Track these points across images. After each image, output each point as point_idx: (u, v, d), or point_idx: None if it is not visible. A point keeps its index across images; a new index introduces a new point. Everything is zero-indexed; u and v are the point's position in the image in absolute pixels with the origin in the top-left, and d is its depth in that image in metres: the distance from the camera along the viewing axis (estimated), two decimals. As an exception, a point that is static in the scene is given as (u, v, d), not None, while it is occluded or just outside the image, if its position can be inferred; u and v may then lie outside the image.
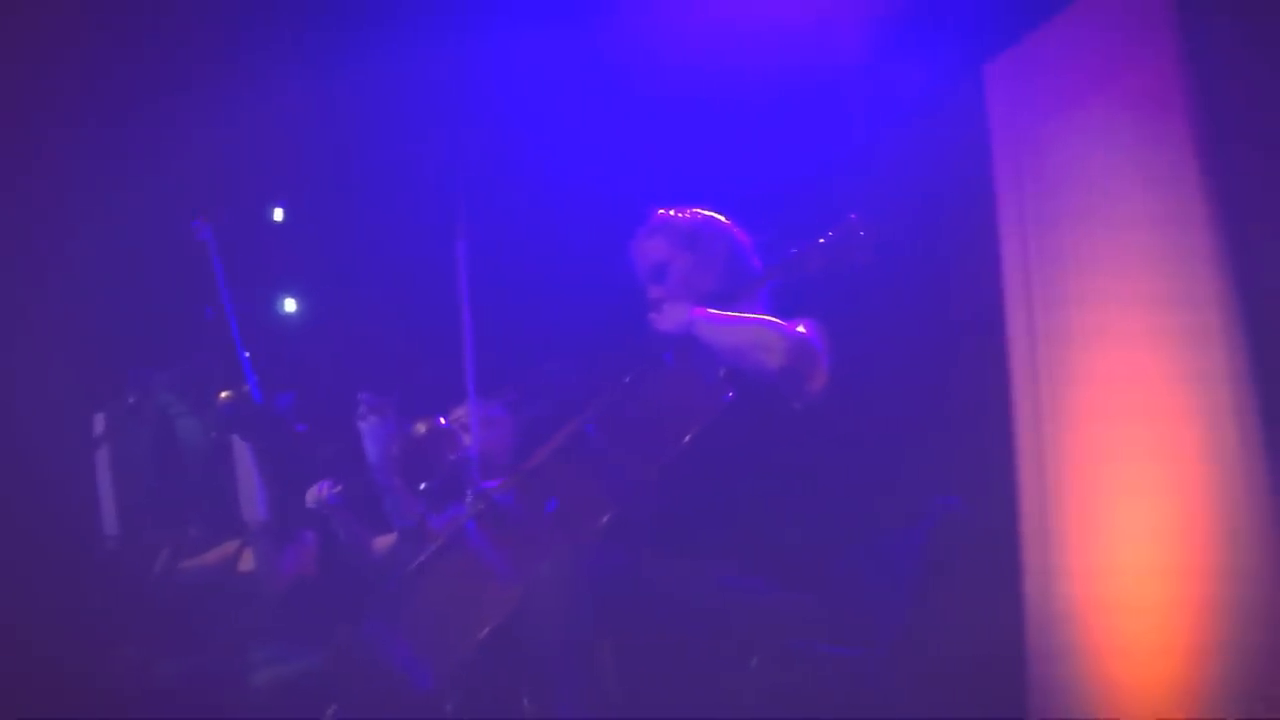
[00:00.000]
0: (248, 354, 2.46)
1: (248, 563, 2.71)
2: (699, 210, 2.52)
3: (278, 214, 2.51)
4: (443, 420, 2.55)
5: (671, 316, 2.26)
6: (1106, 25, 3.60)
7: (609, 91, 3.52)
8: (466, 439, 2.78)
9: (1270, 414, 2.84)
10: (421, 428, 2.61)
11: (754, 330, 2.18)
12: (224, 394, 2.44)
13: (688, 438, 2.15)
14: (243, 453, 2.52)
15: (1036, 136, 3.68)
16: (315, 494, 2.63)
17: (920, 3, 4.01)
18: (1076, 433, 3.23)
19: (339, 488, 2.61)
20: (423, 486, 2.45)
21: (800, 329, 2.23)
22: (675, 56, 3.64)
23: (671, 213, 2.51)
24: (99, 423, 2.58)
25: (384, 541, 2.77)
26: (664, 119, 3.65)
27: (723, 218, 2.51)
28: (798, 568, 2.15)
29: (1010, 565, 3.20)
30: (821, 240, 2.33)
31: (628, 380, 2.26)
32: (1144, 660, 2.94)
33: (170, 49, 3.12)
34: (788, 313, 2.41)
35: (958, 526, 2.21)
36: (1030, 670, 3.12)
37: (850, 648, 2.12)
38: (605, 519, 2.07)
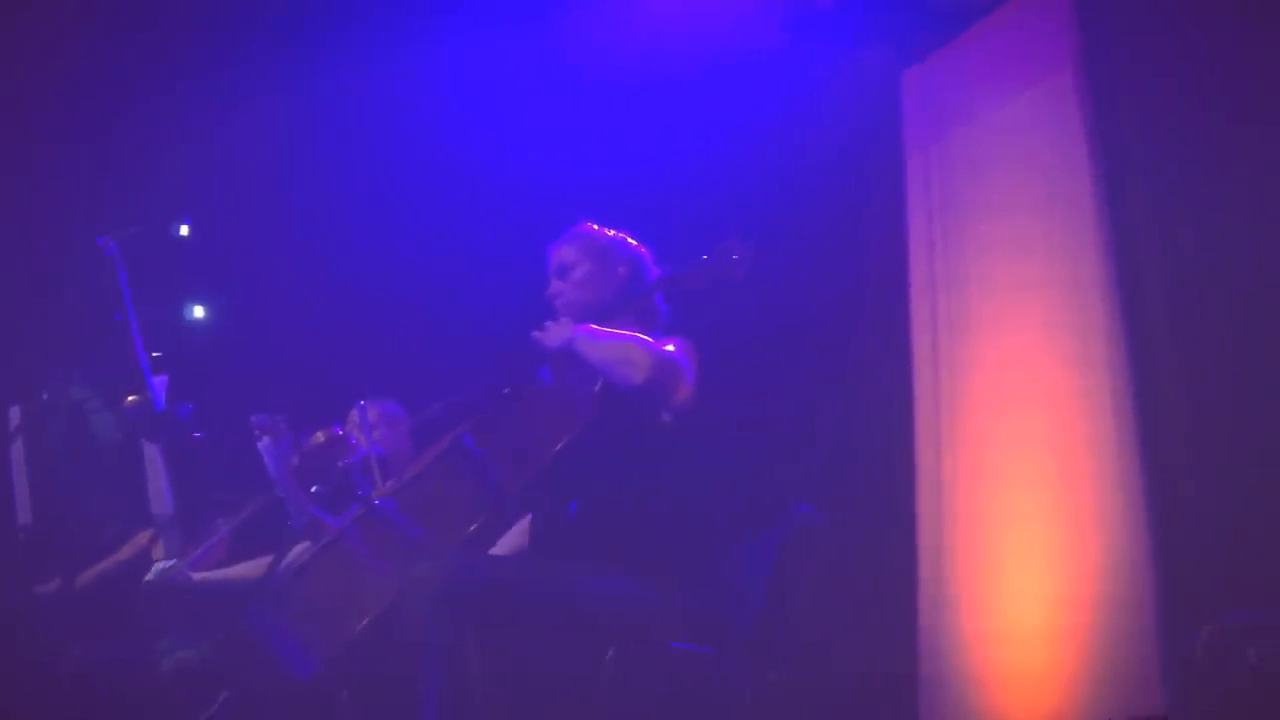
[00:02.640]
0: (156, 355, 2.58)
1: (160, 552, 2.85)
2: (617, 232, 2.69)
3: (184, 230, 2.61)
4: (339, 429, 2.68)
5: (555, 333, 2.43)
6: (1015, 38, 3.75)
7: (521, 100, 3.62)
8: (364, 440, 2.94)
9: (1145, 402, 3.02)
10: (320, 437, 2.74)
11: (623, 347, 2.33)
12: (130, 398, 2.57)
13: (559, 446, 2.32)
14: (152, 450, 2.66)
15: (947, 137, 3.84)
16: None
17: (844, 10, 4.13)
18: (972, 420, 3.41)
19: None
20: (313, 489, 2.60)
21: (669, 347, 2.38)
22: (595, 68, 3.75)
23: (594, 226, 2.68)
24: (14, 416, 2.71)
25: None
26: (585, 127, 3.77)
27: (634, 242, 2.68)
28: (661, 570, 2.30)
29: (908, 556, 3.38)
30: (704, 258, 2.49)
31: (506, 392, 2.41)
32: (1033, 646, 3.13)
33: (88, 64, 3.20)
34: (684, 319, 2.59)
35: (812, 533, 2.37)
36: (920, 654, 3.30)
37: (705, 646, 2.27)
38: (476, 525, 2.25)
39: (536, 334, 2.43)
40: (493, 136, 3.63)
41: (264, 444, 2.71)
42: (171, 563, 2.75)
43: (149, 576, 2.79)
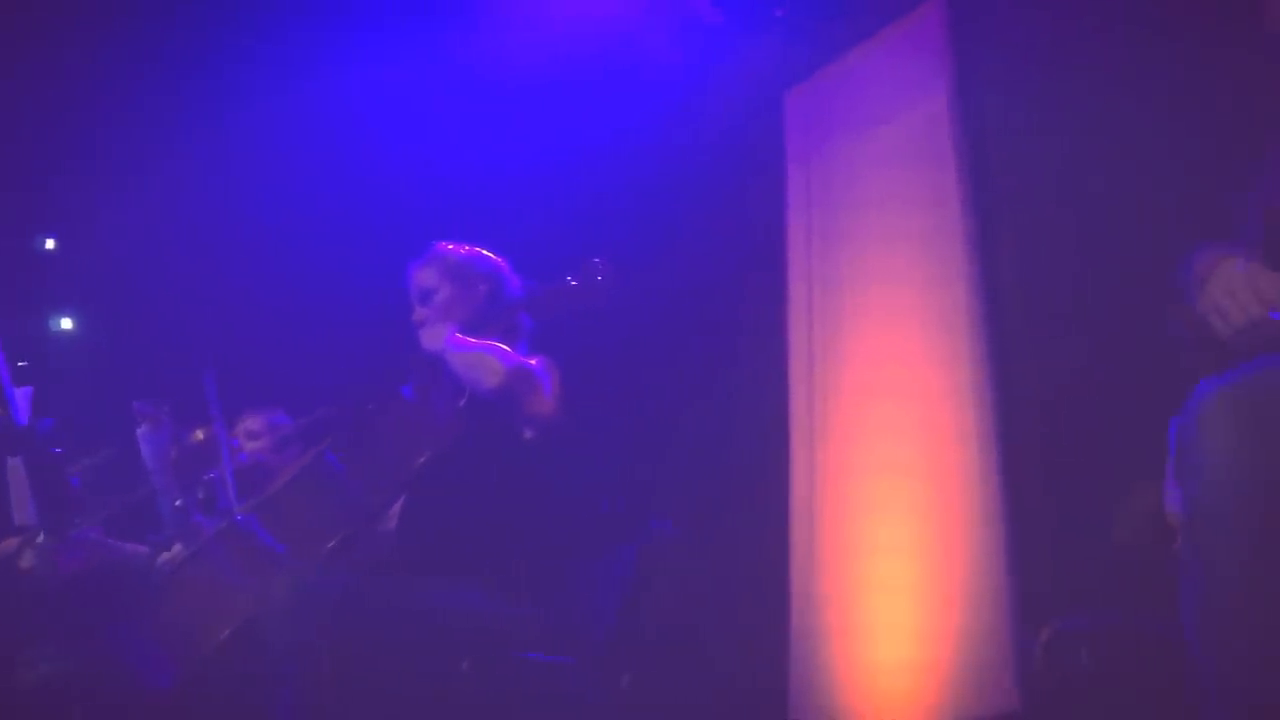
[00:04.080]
0: (22, 365, 2.57)
1: (28, 560, 2.84)
2: (474, 248, 2.75)
3: (49, 243, 2.61)
4: (221, 431, 2.70)
5: (432, 336, 2.50)
6: (894, 61, 3.90)
7: (400, 109, 3.65)
8: (249, 445, 2.97)
9: (1004, 396, 3.17)
10: (199, 435, 2.76)
11: (481, 354, 2.40)
12: (-10, 411, 2.55)
13: (421, 461, 2.38)
14: (15, 461, 2.65)
15: (827, 153, 3.97)
16: None
17: (731, 27, 4.24)
18: (844, 412, 3.54)
19: None
20: (177, 504, 2.61)
21: (531, 361, 2.45)
22: (478, 83, 3.80)
23: (449, 246, 2.73)
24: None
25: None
26: (468, 140, 3.81)
27: (492, 255, 2.74)
28: (518, 583, 2.37)
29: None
30: (569, 279, 2.56)
31: (370, 407, 2.46)
32: (897, 641, 3.25)
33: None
34: (550, 333, 2.67)
35: (666, 547, 2.46)
36: (791, 651, 3.40)
37: (561, 657, 2.35)
38: (337, 540, 2.30)
39: (421, 333, 2.51)
40: (367, 147, 3.65)
41: (143, 431, 2.69)
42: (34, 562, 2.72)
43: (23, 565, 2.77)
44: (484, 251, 2.72)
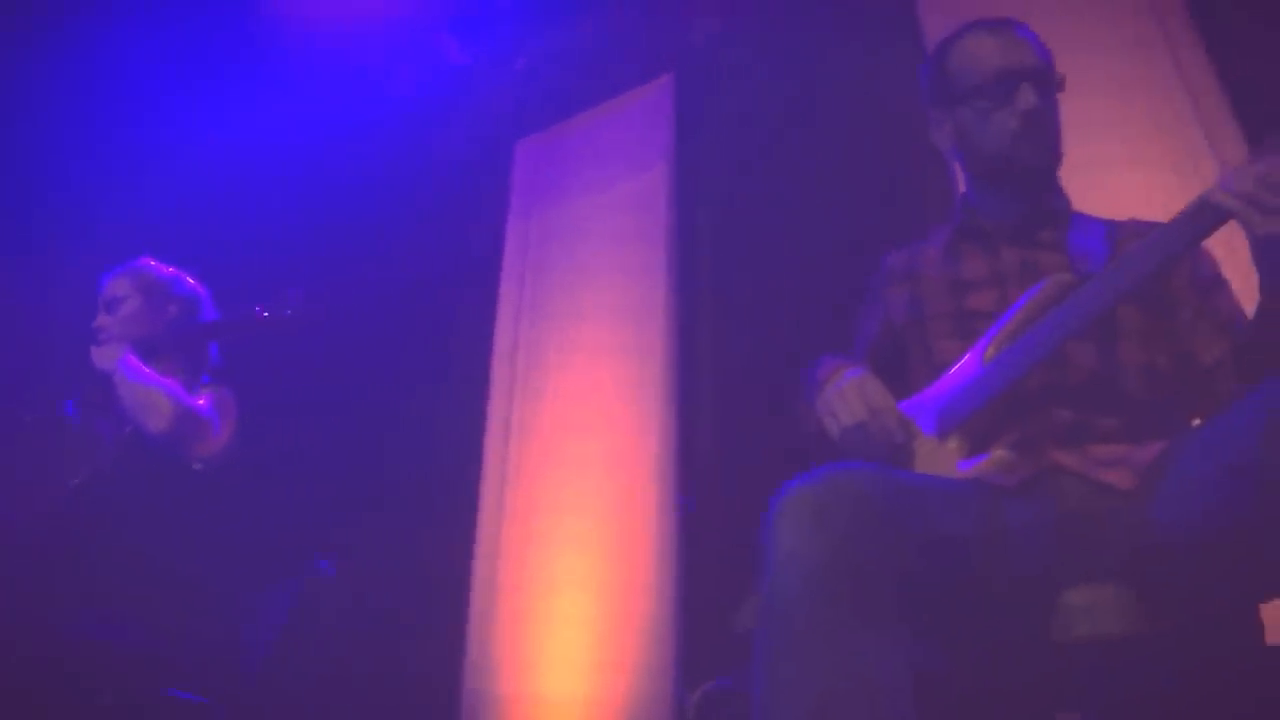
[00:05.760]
0: None
1: None
2: (175, 270, 2.66)
3: None
4: None
5: (105, 354, 2.40)
6: (622, 130, 4.09)
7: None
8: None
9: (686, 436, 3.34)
10: None
11: (152, 392, 2.32)
12: None
13: (76, 482, 2.28)
14: None
15: (551, 199, 4.11)
16: None
17: (476, 72, 4.32)
18: (539, 449, 3.63)
19: None
20: None
21: (202, 400, 2.40)
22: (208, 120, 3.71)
23: (151, 263, 2.64)
24: None
25: None
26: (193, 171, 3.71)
27: (193, 282, 2.67)
28: (171, 616, 2.29)
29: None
30: (258, 309, 2.52)
31: (28, 418, 2.34)
32: (571, 674, 3.32)
33: None
34: (239, 364, 2.62)
35: (324, 586, 2.45)
36: (464, 684, 3.42)
37: (205, 695, 2.29)
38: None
39: (93, 349, 2.40)
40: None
41: None
42: None
43: None
44: (186, 277, 2.67)
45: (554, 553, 3.49)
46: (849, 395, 1.62)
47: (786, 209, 3.54)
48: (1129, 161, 2.81)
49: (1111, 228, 1.79)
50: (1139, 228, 1.78)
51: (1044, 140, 1.76)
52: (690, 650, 3.13)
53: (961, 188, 1.93)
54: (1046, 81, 1.77)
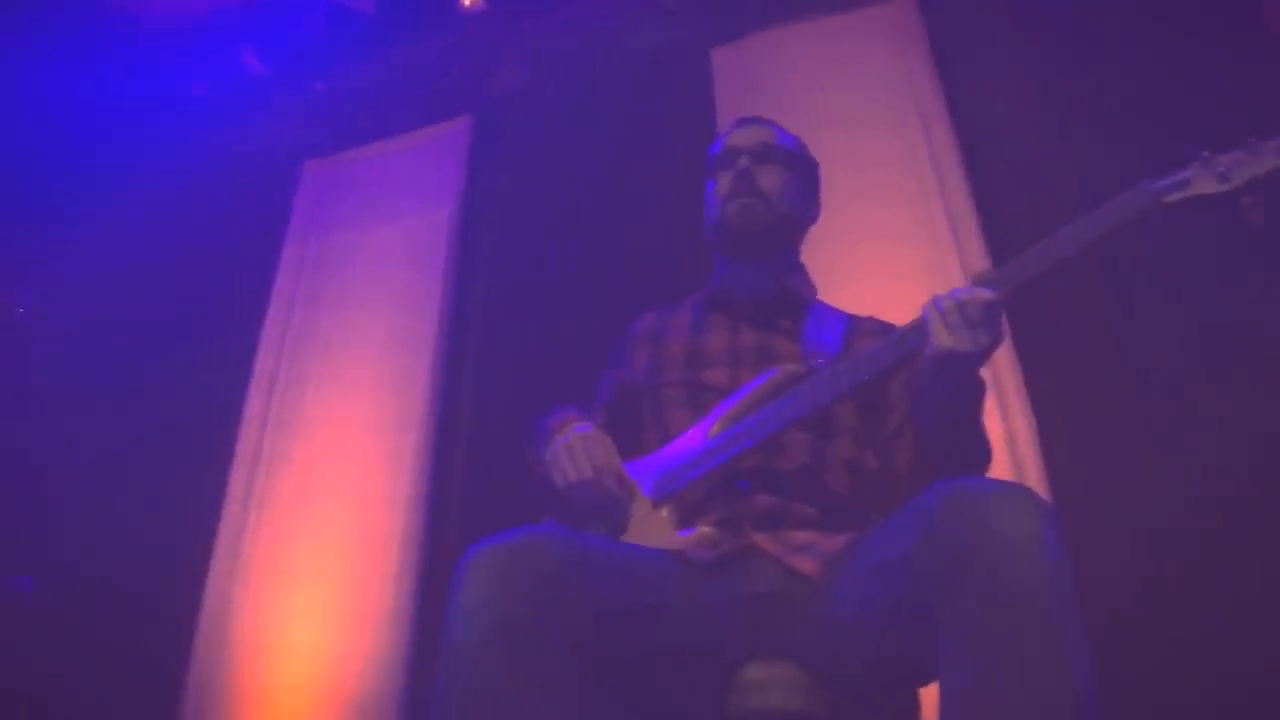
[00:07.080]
0: None
1: None
2: None
3: None
4: None
5: None
6: (413, 166, 4.07)
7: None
8: None
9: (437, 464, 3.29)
10: None
11: None
12: None
13: None
14: None
15: (331, 235, 4.02)
16: None
17: (273, 86, 4.21)
18: (288, 479, 3.51)
19: None
20: None
21: None
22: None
23: None
24: None
25: None
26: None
27: None
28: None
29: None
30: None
31: None
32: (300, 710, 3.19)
33: None
34: None
35: (24, 607, 2.30)
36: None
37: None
38: None
39: None
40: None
41: None
42: None
43: None
44: None
45: (295, 585, 3.38)
46: (575, 450, 1.65)
47: (564, 259, 3.59)
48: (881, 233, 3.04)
49: (850, 323, 1.89)
50: (873, 326, 1.89)
51: (754, 203, 1.86)
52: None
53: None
54: (772, 159, 1.88)
